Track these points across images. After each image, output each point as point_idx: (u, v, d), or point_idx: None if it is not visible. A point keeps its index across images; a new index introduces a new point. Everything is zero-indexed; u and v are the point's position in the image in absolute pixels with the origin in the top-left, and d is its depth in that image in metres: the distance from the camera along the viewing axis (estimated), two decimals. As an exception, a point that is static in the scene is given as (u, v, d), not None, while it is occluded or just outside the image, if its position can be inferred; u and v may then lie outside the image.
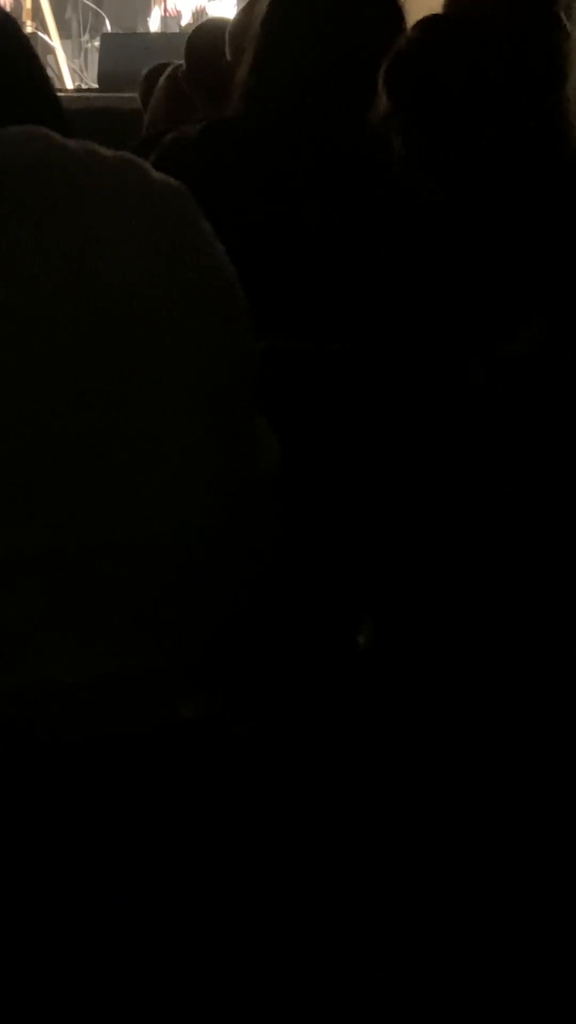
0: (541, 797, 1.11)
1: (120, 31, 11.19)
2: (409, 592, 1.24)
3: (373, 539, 1.47)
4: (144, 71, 4.83)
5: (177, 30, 11.09)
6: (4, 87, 1.40)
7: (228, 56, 2.77)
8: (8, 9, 9.72)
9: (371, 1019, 0.83)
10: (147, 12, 11.81)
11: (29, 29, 9.21)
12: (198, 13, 11.26)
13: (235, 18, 2.79)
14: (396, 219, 1.91)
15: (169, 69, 4.26)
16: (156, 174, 0.89)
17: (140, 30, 11.50)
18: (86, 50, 11.60)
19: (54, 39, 10.50)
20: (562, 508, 1.21)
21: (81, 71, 11.36)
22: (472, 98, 1.91)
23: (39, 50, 1.57)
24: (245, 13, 2.51)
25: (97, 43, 10.25)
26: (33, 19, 10.19)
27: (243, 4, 2.76)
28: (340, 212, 1.90)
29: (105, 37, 9.95)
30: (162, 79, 4.22)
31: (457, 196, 1.89)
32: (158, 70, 4.60)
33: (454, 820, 1.05)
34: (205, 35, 4.09)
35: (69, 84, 10.32)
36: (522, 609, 1.18)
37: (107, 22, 11.45)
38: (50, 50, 10.08)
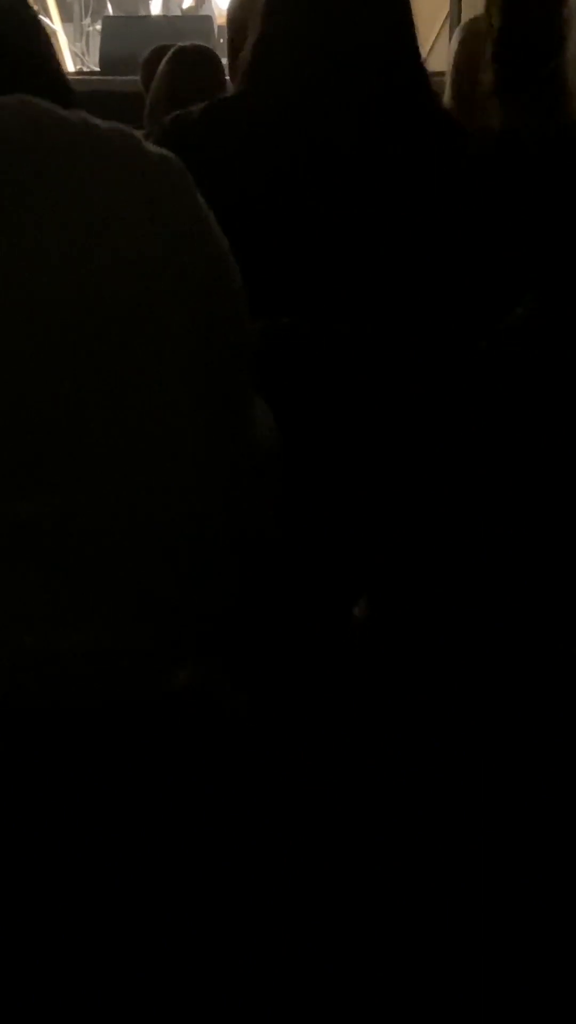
0: (541, 777, 1.11)
1: (122, 14, 11.15)
2: (408, 566, 1.25)
3: (373, 514, 1.48)
4: (144, 54, 4.82)
5: (179, 13, 11.06)
6: (15, 67, 1.41)
7: (229, 36, 2.77)
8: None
9: (369, 1002, 0.83)
10: (148, -5, 11.78)
11: (31, 12, 9.16)
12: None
13: (234, 1, 2.79)
14: (403, 192, 1.90)
15: (171, 52, 4.25)
16: (149, 145, 0.89)
17: (142, 13, 11.46)
18: (88, 33, 11.56)
19: (56, 22, 10.48)
20: (562, 487, 1.22)
21: (83, 54, 11.32)
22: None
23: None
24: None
25: (99, 26, 10.22)
26: (35, 2, 10.17)
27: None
28: (345, 186, 1.89)
29: (107, 20, 9.92)
30: (164, 62, 4.22)
31: (504, 152, 1.90)
32: (158, 53, 4.59)
33: (450, 797, 1.06)
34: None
35: (71, 67, 10.29)
36: (523, 582, 1.19)
37: (108, 5, 11.41)
38: (52, 33, 10.03)
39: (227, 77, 4.14)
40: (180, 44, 4.30)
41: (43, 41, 1.51)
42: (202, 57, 4.19)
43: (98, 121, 0.88)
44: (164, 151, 0.89)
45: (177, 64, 4.14)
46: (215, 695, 0.88)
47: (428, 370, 1.67)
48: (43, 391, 0.81)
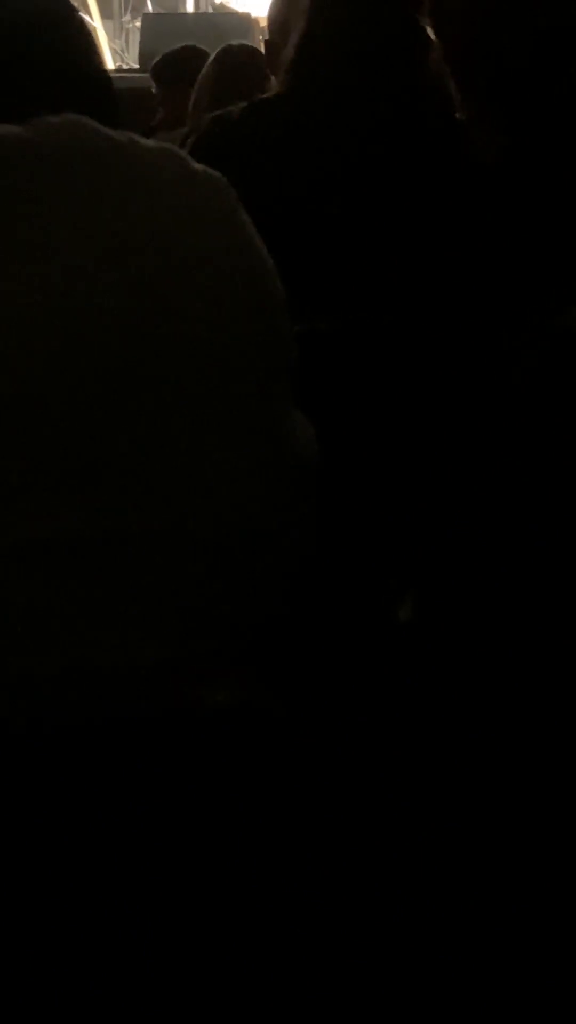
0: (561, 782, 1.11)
1: (161, 11, 11.17)
2: (452, 567, 1.24)
3: (414, 515, 1.47)
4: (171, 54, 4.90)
5: (210, 10, 11.07)
6: (59, 70, 1.40)
7: (269, 35, 2.76)
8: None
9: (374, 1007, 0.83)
10: (188, -8, 11.79)
11: (71, 9, 9.17)
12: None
13: (275, 1, 2.78)
14: (445, 190, 1.89)
15: (217, 51, 4.27)
16: (197, 165, 0.89)
17: (181, 10, 11.48)
18: (127, 30, 11.59)
19: (95, 19, 10.50)
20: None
21: (122, 51, 11.35)
22: (530, 55, 1.90)
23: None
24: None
25: (138, 23, 10.24)
26: (75, -1, 10.19)
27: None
28: (385, 185, 1.89)
29: (146, 17, 9.94)
30: (209, 61, 4.24)
31: (512, 162, 1.88)
32: (184, 53, 4.67)
33: (497, 803, 1.05)
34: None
35: (110, 64, 10.32)
36: (568, 583, 1.17)
37: (148, 2, 11.43)
38: (92, 30, 10.07)
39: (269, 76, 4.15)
40: (227, 44, 4.31)
41: (86, 41, 1.51)
42: (249, 58, 4.21)
43: (146, 142, 0.88)
44: (211, 171, 0.89)
45: (223, 63, 4.16)
46: (256, 708, 0.87)
47: (465, 373, 1.66)
48: (83, 408, 0.81)
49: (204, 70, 4.24)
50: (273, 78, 2.58)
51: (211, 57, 4.26)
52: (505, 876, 0.95)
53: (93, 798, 0.83)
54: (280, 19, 2.48)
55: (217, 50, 4.25)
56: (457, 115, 1.98)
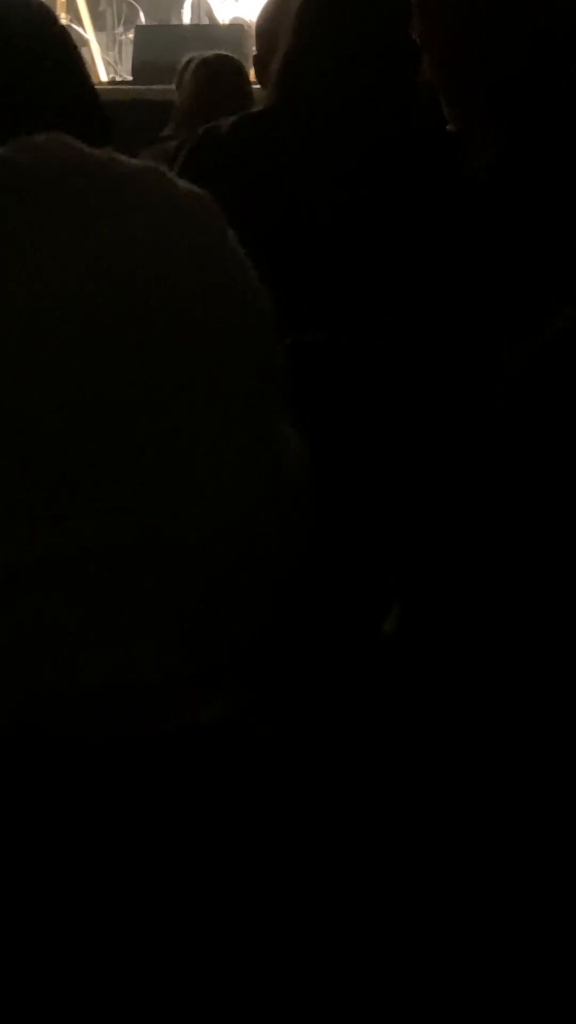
0: (567, 793, 1.11)
1: (154, 23, 11.18)
2: (439, 581, 1.24)
3: (403, 527, 1.47)
4: (182, 62, 4.87)
5: (208, 21, 11.07)
6: (45, 88, 1.41)
7: (256, 50, 2.77)
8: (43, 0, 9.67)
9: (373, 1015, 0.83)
10: (180, 4, 11.79)
11: (63, 21, 9.19)
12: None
13: (263, 12, 2.79)
14: (436, 204, 1.90)
15: (195, 63, 4.29)
16: (180, 182, 0.89)
17: (174, 22, 11.48)
18: (120, 42, 11.59)
19: (88, 31, 10.51)
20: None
21: (115, 63, 11.35)
22: (523, 62, 1.90)
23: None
24: (275, 7, 2.51)
25: (131, 35, 10.24)
26: (67, 11, 10.20)
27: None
28: (375, 199, 1.89)
29: (139, 29, 9.94)
30: (189, 72, 4.26)
31: (503, 173, 1.89)
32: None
33: (482, 814, 1.05)
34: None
35: (103, 76, 10.32)
36: (556, 598, 1.18)
37: (141, 14, 11.44)
38: (84, 42, 10.08)
39: (254, 85, 4.16)
40: (203, 55, 4.34)
41: (73, 57, 1.51)
42: (226, 67, 4.23)
43: (128, 160, 0.88)
44: (195, 188, 0.90)
45: (201, 74, 4.18)
46: (244, 723, 0.88)
47: (456, 383, 1.67)
48: (70, 420, 0.81)
49: (184, 81, 4.26)
50: (261, 89, 2.59)
51: (189, 69, 4.28)
52: (492, 884, 0.96)
53: (91, 814, 0.84)
54: (269, 32, 2.49)
55: (195, 63, 4.28)
56: (448, 126, 1.99)
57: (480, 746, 1.14)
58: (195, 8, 11.26)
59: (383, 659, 1.24)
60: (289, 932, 0.83)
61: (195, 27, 10.56)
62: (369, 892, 0.86)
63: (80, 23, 10.37)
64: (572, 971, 0.94)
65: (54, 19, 1.57)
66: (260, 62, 2.58)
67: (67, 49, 1.45)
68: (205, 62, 4.24)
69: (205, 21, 11.05)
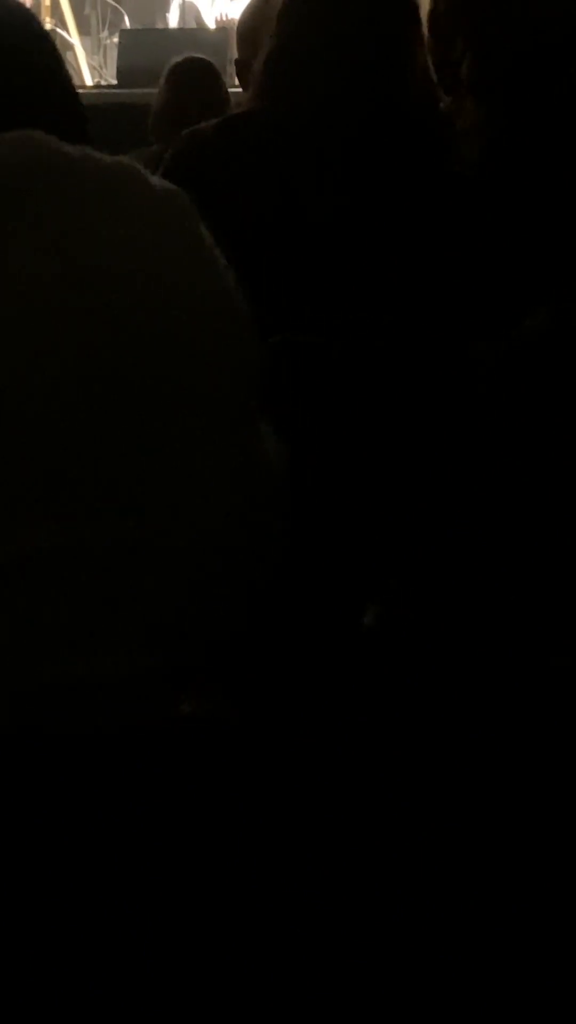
0: (548, 787, 1.12)
1: (139, 27, 11.16)
2: (418, 576, 1.25)
3: (383, 525, 1.48)
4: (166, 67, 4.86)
5: (194, 25, 11.05)
6: (23, 87, 1.41)
7: (238, 53, 2.77)
8: (28, 5, 9.62)
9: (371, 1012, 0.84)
10: (167, 7, 11.77)
11: (48, 25, 9.18)
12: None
13: (244, 16, 2.79)
14: (416, 205, 1.91)
15: (168, 67, 4.29)
16: (154, 179, 0.90)
17: (160, 26, 11.46)
18: (105, 46, 11.56)
19: (73, 35, 10.48)
20: (569, 497, 1.22)
21: (100, 67, 11.33)
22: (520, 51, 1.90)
23: (58, 46, 1.57)
24: (257, 10, 2.52)
25: (116, 39, 10.22)
26: (52, 15, 10.18)
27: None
28: (358, 201, 1.90)
29: (124, 33, 9.92)
30: (163, 77, 4.26)
31: (493, 164, 1.89)
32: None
33: (457, 813, 1.06)
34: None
35: (88, 80, 10.30)
36: (532, 593, 1.19)
37: (126, 18, 11.41)
38: (69, 47, 10.06)
39: (233, 88, 4.16)
40: (175, 59, 4.33)
41: (53, 58, 1.52)
42: (200, 71, 4.22)
43: (102, 156, 0.89)
44: (169, 185, 0.90)
45: (176, 78, 4.18)
46: (217, 718, 0.89)
47: (436, 382, 1.68)
48: (53, 422, 0.82)
49: (160, 86, 4.25)
50: (242, 91, 2.59)
51: (163, 73, 4.28)
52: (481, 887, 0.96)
53: (60, 808, 0.84)
54: (251, 34, 2.50)
55: (167, 67, 4.27)
56: (442, 106, 2.00)
57: (471, 736, 1.15)
58: (183, 12, 11.24)
59: (367, 652, 1.25)
60: (288, 931, 0.84)
61: (180, 31, 10.54)
62: (362, 886, 0.87)
63: (65, 27, 10.35)
64: (570, 967, 0.95)
65: (31, 16, 1.57)
66: (242, 65, 2.58)
67: (43, 44, 1.45)
68: (176, 66, 4.24)
69: (193, 25, 11.03)
